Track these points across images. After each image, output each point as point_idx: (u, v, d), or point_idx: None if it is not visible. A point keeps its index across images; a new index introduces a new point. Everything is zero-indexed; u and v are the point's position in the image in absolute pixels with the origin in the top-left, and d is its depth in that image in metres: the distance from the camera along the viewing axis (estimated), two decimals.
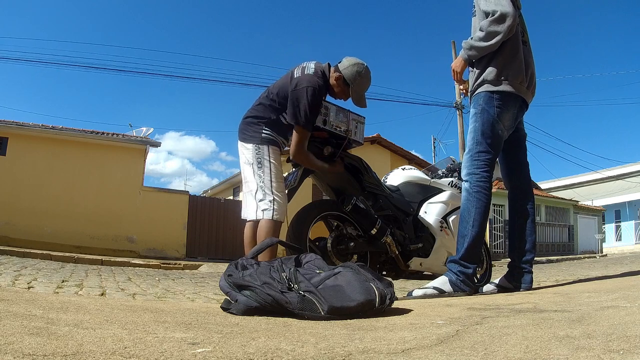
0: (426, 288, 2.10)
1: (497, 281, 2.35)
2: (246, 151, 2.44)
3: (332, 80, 2.44)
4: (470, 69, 2.32)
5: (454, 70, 2.33)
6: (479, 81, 2.22)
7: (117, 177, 10.75)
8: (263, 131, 2.41)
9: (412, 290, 2.14)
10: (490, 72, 2.18)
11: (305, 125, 2.31)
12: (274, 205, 2.33)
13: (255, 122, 2.45)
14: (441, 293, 2.06)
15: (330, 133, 2.51)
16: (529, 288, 2.24)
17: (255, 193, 2.36)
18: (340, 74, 2.42)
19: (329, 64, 2.48)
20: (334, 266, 1.59)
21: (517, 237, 2.32)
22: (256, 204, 2.35)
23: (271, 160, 2.38)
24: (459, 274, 2.08)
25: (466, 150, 2.26)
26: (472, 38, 2.20)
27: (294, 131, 2.36)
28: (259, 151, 2.40)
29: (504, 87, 2.17)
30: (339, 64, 2.46)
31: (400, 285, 3.57)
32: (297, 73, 2.39)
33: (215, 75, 42.52)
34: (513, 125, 2.28)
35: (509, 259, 2.34)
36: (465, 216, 2.15)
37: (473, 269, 2.10)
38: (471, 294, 2.10)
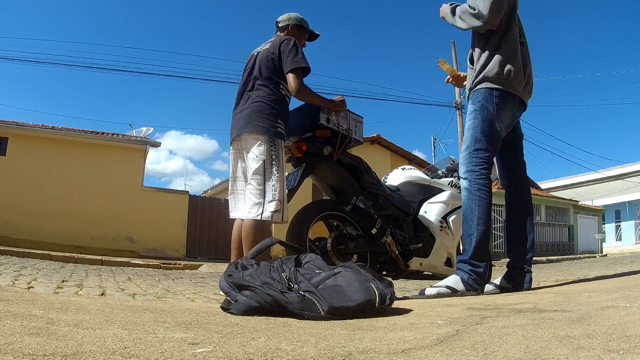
0: (439, 287, 2.09)
1: (496, 281, 2.35)
2: (257, 148, 2.32)
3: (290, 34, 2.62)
4: (470, 66, 2.33)
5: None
6: (479, 78, 2.23)
7: (117, 177, 10.75)
8: (278, 123, 2.36)
9: (424, 289, 2.12)
10: (490, 69, 2.19)
11: (305, 65, 2.41)
12: (283, 206, 2.31)
13: (268, 112, 2.36)
14: (454, 292, 2.05)
15: (333, 131, 2.52)
16: (529, 288, 2.24)
17: (265, 192, 2.29)
18: (289, 24, 2.63)
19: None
20: (334, 266, 1.59)
21: (515, 237, 2.31)
22: (264, 203, 2.27)
23: (282, 157, 2.36)
24: (471, 273, 2.08)
25: (464, 147, 2.24)
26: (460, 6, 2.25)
27: (292, 73, 2.39)
28: (274, 146, 2.33)
29: (504, 85, 2.18)
30: (280, 26, 2.66)
31: (400, 285, 3.57)
32: (268, 44, 2.53)
33: (216, 75, 42.43)
34: (511, 124, 2.28)
35: (507, 259, 2.34)
36: (469, 215, 2.14)
37: (484, 267, 2.09)
38: (482, 293, 2.09)
